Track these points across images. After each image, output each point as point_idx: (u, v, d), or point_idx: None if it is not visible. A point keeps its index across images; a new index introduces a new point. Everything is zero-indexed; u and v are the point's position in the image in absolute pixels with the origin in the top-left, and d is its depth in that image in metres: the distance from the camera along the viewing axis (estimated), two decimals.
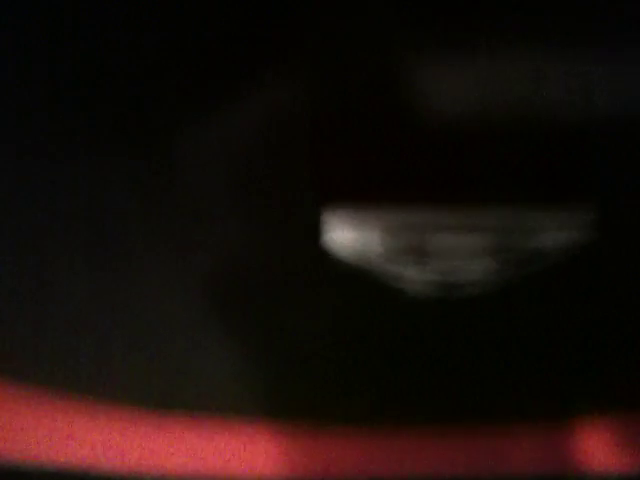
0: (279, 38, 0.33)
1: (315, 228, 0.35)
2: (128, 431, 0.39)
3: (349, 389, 0.38)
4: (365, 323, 0.37)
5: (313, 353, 0.38)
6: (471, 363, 0.38)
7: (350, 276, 0.36)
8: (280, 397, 0.39)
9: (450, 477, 0.39)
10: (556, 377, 0.38)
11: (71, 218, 0.36)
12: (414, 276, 0.36)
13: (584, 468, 0.39)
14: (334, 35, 0.33)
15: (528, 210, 0.34)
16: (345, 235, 0.35)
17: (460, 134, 0.34)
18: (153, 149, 0.35)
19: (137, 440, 0.39)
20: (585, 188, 0.34)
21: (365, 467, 0.39)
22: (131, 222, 0.36)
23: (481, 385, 0.38)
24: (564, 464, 0.39)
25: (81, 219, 0.36)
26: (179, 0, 0.33)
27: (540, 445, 0.39)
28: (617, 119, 0.34)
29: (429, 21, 0.33)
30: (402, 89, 0.33)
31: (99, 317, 0.38)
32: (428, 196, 0.34)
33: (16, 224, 0.37)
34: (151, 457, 0.39)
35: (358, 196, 0.35)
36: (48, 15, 0.33)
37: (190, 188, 0.36)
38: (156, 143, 0.35)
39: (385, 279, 0.36)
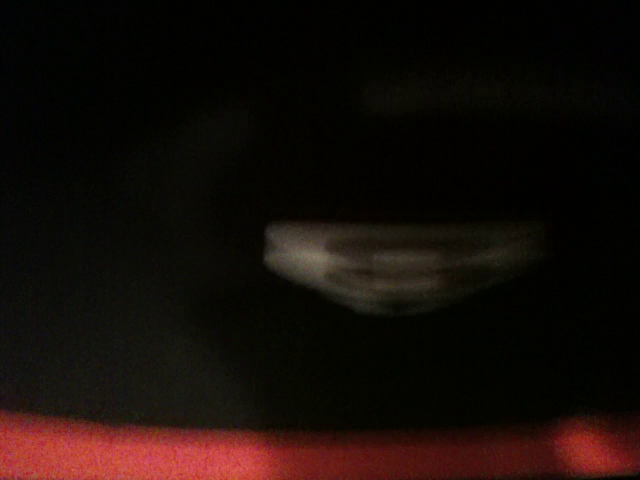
0: (222, 61, 0.33)
1: (260, 246, 0.35)
2: (89, 445, 0.38)
3: (305, 400, 0.38)
4: (315, 340, 0.37)
5: (268, 367, 0.37)
6: (425, 375, 0.37)
7: (296, 294, 0.35)
8: (233, 409, 0.38)
9: None
10: (510, 386, 0.37)
11: (26, 242, 0.36)
12: (360, 295, 0.35)
13: (569, 470, 0.38)
14: (280, 58, 0.33)
15: (476, 227, 0.34)
16: (289, 253, 0.35)
17: (406, 151, 0.33)
18: (102, 171, 0.35)
19: (99, 453, 0.39)
20: (534, 205, 0.34)
21: (347, 475, 0.39)
22: (81, 243, 0.36)
23: (433, 397, 0.38)
24: (549, 467, 0.39)
25: (34, 243, 0.36)
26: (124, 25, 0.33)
27: (522, 449, 0.38)
28: (566, 136, 0.33)
29: (378, 40, 0.33)
30: (346, 106, 0.33)
31: (59, 333, 0.37)
32: (374, 214, 0.34)
33: None
34: (117, 470, 0.39)
35: (302, 214, 0.34)
36: None
37: (140, 210, 0.35)
38: (105, 165, 0.35)
39: (332, 298, 0.35)
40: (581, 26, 0.32)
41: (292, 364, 0.37)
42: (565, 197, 0.34)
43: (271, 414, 0.38)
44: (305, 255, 0.35)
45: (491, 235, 0.34)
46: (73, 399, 0.38)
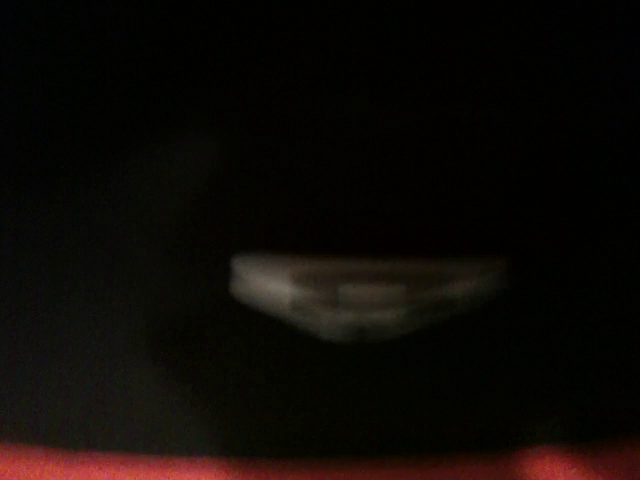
0: (189, 90, 0.33)
1: (225, 276, 0.35)
2: (48, 469, 0.39)
3: (269, 427, 0.38)
4: (279, 367, 0.37)
5: (231, 394, 0.38)
6: (392, 401, 0.38)
7: (261, 323, 0.36)
8: (194, 435, 0.39)
9: None
10: (473, 413, 0.38)
11: None
12: (327, 322, 0.35)
13: None
14: (247, 88, 0.33)
15: (439, 261, 0.34)
16: (255, 284, 0.35)
17: (371, 184, 0.34)
18: (67, 192, 0.35)
19: (58, 478, 0.39)
20: (495, 239, 0.35)
21: None
22: (44, 273, 0.36)
23: (396, 424, 0.38)
24: None
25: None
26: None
27: (487, 476, 0.39)
28: (528, 169, 0.34)
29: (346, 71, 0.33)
30: (315, 138, 0.33)
31: (17, 359, 0.38)
32: (339, 244, 0.34)
33: None
34: None
35: (268, 245, 0.35)
36: None
37: (103, 237, 0.35)
38: (71, 186, 0.35)
39: (299, 325, 0.36)
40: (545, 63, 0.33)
41: (256, 391, 0.38)
42: (525, 232, 0.35)
43: (233, 441, 0.39)
44: (270, 286, 0.35)
45: (454, 269, 0.35)
46: (33, 425, 0.38)
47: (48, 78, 0.33)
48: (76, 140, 0.34)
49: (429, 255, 0.34)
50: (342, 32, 0.32)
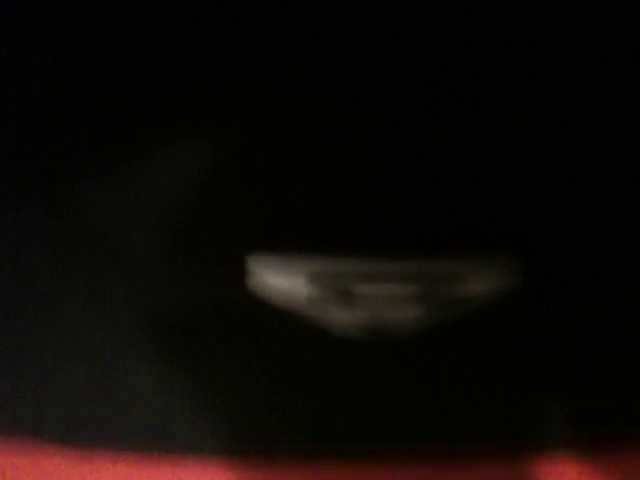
0: (199, 86, 0.33)
1: (241, 273, 0.35)
2: (58, 466, 0.39)
3: (284, 425, 0.38)
4: (294, 363, 0.37)
5: (249, 392, 0.38)
6: (403, 402, 0.38)
7: (277, 319, 0.36)
8: (206, 433, 0.39)
9: None
10: (491, 414, 0.38)
11: None
12: (341, 320, 0.35)
13: None
14: (258, 87, 0.33)
15: (453, 259, 0.34)
16: (271, 280, 0.35)
17: (384, 183, 0.34)
18: (67, 192, 0.35)
19: (68, 475, 0.39)
20: (511, 237, 0.35)
21: None
22: (50, 269, 0.36)
23: (418, 422, 0.38)
24: None
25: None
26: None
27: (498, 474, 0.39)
28: (541, 169, 0.34)
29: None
30: (329, 136, 0.33)
31: (27, 354, 0.38)
32: (353, 244, 0.34)
33: None
34: None
35: (284, 242, 0.35)
36: None
37: (112, 234, 0.35)
38: (71, 186, 0.35)
39: (313, 322, 0.36)
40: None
41: (266, 388, 0.38)
42: (542, 230, 0.35)
43: (242, 439, 0.38)
44: (286, 283, 0.35)
45: (467, 268, 0.35)
46: (42, 420, 0.39)
47: (48, 77, 0.33)
48: (79, 138, 0.34)
49: (442, 254, 0.34)
50: (342, 30, 0.32)
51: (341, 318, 0.35)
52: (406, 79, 0.32)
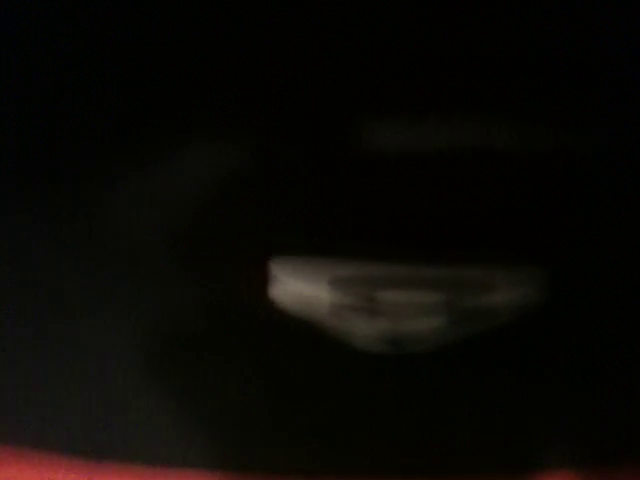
0: (225, 91, 0.33)
1: (262, 280, 0.34)
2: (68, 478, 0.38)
3: (293, 441, 0.37)
4: (312, 376, 0.36)
5: (259, 405, 0.37)
6: (421, 418, 0.37)
7: (297, 329, 0.35)
8: (224, 446, 0.38)
9: None
10: (509, 432, 0.37)
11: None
12: (362, 330, 0.35)
13: None
14: (282, 88, 0.33)
15: (480, 268, 0.34)
16: (292, 286, 0.34)
17: (412, 190, 0.33)
18: (86, 200, 0.35)
19: None
20: (538, 248, 0.34)
21: None
22: (64, 276, 0.36)
23: (434, 439, 0.37)
24: None
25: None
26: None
27: None
28: (570, 180, 0.34)
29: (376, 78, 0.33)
30: (354, 139, 0.33)
31: (33, 366, 0.37)
32: (378, 250, 0.34)
33: None
34: None
35: (307, 248, 0.34)
36: None
37: (131, 240, 0.35)
38: (89, 194, 0.35)
39: (333, 332, 0.35)
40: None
41: (281, 402, 0.37)
42: (569, 242, 0.34)
43: (253, 455, 0.38)
44: (307, 290, 0.34)
45: (495, 278, 0.34)
46: (52, 433, 0.38)
47: (61, 77, 0.34)
48: (91, 139, 0.34)
49: (469, 262, 0.33)
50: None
51: (363, 328, 0.35)
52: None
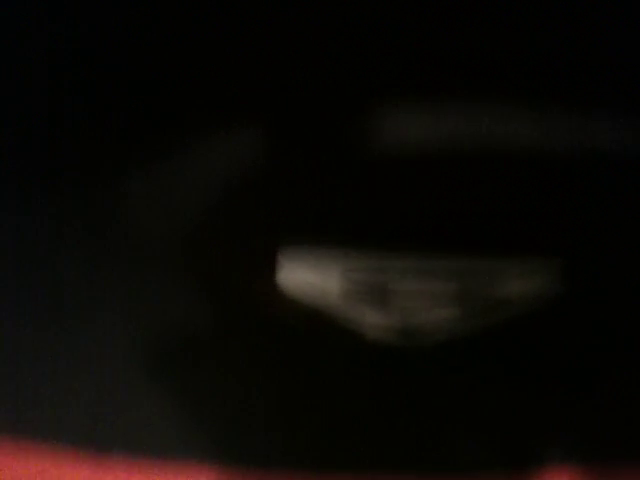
0: (232, 85, 0.33)
1: (272, 268, 0.34)
2: (67, 471, 0.38)
3: (300, 434, 0.37)
4: (322, 367, 0.36)
5: (265, 397, 0.36)
6: (429, 412, 0.36)
7: (308, 318, 0.35)
8: (226, 442, 0.37)
9: None
10: (517, 427, 0.36)
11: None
12: (374, 321, 0.34)
13: None
14: (292, 80, 0.33)
15: (494, 258, 0.33)
16: (303, 276, 0.34)
17: (425, 180, 0.33)
18: (90, 200, 0.35)
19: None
20: (553, 239, 0.34)
21: None
22: (67, 274, 0.36)
23: (442, 434, 0.37)
24: None
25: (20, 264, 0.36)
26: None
27: None
28: (585, 172, 0.33)
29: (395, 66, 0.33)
30: (364, 131, 0.33)
31: (37, 361, 0.37)
32: (391, 240, 0.33)
33: None
34: None
35: (318, 237, 0.34)
36: None
37: (136, 234, 0.35)
38: (93, 194, 0.35)
39: (344, 323, 0.34)
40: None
41: (287, 394, 0.37)
42: (583, 233, 0.34)
43: (248, 449, 0.37)
44: (320, 279, 0.34)
45: (508, 268, 0.34)
46: (57, 426, 0.38)
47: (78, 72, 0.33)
48: (93, 139, 0.34)
49: (483, 252, 0.33)
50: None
51: (373, 318, 0.34)
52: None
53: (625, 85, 0.34)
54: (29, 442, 0.37)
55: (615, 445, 0.37)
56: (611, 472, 0.37)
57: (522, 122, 0.33)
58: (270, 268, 0.34)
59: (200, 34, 0.33)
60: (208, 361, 0.36)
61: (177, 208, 0.35)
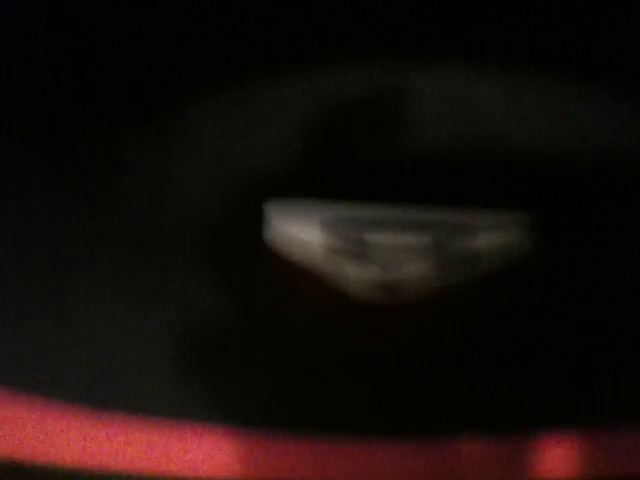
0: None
1: (257, 223, 0.36)
2: (63, 426, 0.39)
3: (288, 393, 0.38)
4: (305, 321, 0.37)
5: (250, 352, 0.38)
6: (408, 370, 0.37)
7: (291, 272, 0.37)
8: (222, 401, 0.38)
9: None
10: (497, 388, 0.37)
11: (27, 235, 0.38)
12: (355, 275, 0.36)
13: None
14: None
15: (464, 211, 0.35)
16: (287, 231, 0.36)
17: (403, 135, 0.35)
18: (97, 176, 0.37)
19: (77, 436, 0.38)
20: (521, 193, 0.36)
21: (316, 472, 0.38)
22: (77, 240, 0.37)
23: (429, 395, 0.38)
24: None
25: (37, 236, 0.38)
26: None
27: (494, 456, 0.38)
28: (556, 130, 0.36)
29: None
30: (337, 87, 0.35)
31: (55, 320, 0.38)
32: (366, 191, 0.35)
33: None
34: (92, 454, 0.39)
35: (300, 191, 0.36)
36: None
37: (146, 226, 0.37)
38: (99, 169, 0.37)
39: (326, 277, 0.36)
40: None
41: (274, 349, 0.38)
42: (552, 188, 0.35)
43: (262, 410, 0.38)
44: (301, 232, 0.36)
45: (477, 221, 0.35)
46: (63, 381, 0.39)
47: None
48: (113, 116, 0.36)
49: (453, 205, 0.35)
50: None
51: (354, 272, 0.36)
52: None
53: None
54: (26, 395, 0.38)
55: (612, 408, 0.37)
56: (609, 435, 0.37)
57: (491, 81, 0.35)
58: (257, 225, 0.37)
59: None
60: (210, 326, 0.38)
61: (173, 176, 0.37)
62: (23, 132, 0.37)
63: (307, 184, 0.36)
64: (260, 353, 0.38)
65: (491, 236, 0.35)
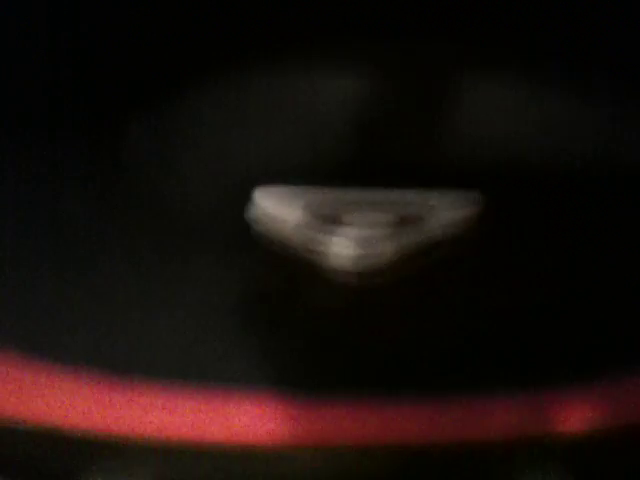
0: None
1: (240, 203, 0.39)
2: (80, 390, 0.39)
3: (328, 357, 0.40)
4: (286, 297, 0.40)
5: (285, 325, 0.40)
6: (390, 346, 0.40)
7: (272, 251, 0.39)
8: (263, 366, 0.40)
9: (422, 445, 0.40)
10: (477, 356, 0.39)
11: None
12: (333, 254, 0.39)
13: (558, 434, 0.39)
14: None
15: (421, 190, 0.38)
16: (270, 210, 0.39)
17: (372, 126, 0.38)
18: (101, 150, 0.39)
19: (109, 403, 0.39)
20: (472, 170, 0.38)
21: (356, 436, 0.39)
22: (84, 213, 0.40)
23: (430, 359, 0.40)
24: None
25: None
26: None
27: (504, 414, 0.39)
28: (510, 114, 0.38)
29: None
30: (317, 78, 0.38)
31: (69, 285, 0.40)
32: (342, 175, 0.38)
33: None
34: (124, 422, 0.39)
35: (288, 177, 0.39)
36: None
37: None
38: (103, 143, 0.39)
39: (304, 255, 0.39)
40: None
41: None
42: (504, 168, 0.38)
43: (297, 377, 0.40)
44: (283, 214, 0.39)
45: (434, 199, 0.38)
46: (79, 345, 0.40)
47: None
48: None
49: (412, 184, 0.38)
50: None
51: (332, 252, 0.39)
52: None
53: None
54: (39, 358, 0.39)
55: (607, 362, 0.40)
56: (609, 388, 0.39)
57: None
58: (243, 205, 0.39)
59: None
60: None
61: (173, 157, 0.40)
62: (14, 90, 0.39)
63: (297, 171, 0.38)
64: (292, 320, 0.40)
65: (446, 215, 0.38)
